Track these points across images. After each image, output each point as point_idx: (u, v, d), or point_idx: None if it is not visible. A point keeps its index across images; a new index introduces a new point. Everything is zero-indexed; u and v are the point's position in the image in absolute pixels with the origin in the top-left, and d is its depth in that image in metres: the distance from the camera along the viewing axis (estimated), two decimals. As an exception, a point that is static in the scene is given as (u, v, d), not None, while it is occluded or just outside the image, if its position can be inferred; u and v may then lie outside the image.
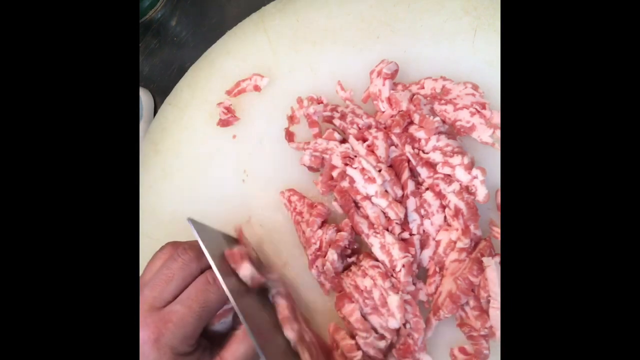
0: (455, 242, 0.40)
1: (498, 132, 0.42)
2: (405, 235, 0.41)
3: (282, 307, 0.35)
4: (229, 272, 0.34)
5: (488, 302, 0.38)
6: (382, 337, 0.39)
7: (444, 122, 0.43)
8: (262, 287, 0.36)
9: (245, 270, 0.34)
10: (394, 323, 0.38)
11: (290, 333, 0.33)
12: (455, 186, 0.40)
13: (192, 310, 0.31)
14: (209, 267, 0.33)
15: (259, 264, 0.38)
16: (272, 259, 0.46)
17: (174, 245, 0.34)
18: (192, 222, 0.33)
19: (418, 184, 0.43)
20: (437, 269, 0.40)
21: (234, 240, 0.40)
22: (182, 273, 0.32)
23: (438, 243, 0.41)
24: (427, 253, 0.41)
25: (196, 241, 0.33)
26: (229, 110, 0.51)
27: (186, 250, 0.33)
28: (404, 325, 0.39)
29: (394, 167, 0.43)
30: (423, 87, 0.45)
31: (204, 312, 0.31)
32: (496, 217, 0.42)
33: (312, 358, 0.33)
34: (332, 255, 0.41)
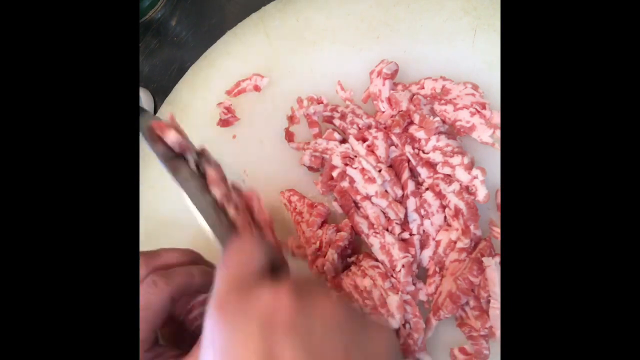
0: (455, 242, 0.40)
1: (498, 132, 0.42)
2: (405, 235, 0.41)
3: (210, 170, 0.37)
4: (156, 141, 0.37)
5: (488, 302, 0.38)
6: (382, 337, 0.39)
7: (444, 122, 0.43)
8: (186, 157, 0.38)
9: (172, 137, 0.37)
10: (393, 323, 0.38)
11: (215, 191, 0.36)
12: (455, 186, 0.40)
13: None
14: (153, 271, 0.34)
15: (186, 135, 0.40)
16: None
17: None
18: None
19: (418, 184, 0.43)
20: (437, 269, 0.40)
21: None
22: None
23: (438, 243, 0.41)
24: (427, 253, 0.41)
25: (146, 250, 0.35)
26: (229, 110, 0.51)
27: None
28: (404, 325, 0.39)
29: (394, 167, 0.43)
30: (423, 87, 0.45)
31: (147, 314, 0.32)
32: (496, 217, 0.42)
33: (237, 212, 0.35)
34: (332, 255, 0.41)
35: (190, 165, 0.38)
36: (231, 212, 0.35)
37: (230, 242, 0.31)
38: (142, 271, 0.34)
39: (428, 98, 0.45)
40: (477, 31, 0.47)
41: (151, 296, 0.32)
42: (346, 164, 0.43)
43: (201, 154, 0.39)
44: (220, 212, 0.35)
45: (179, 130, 0.38)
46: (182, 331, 0.36)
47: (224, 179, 0.38)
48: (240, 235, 0.34)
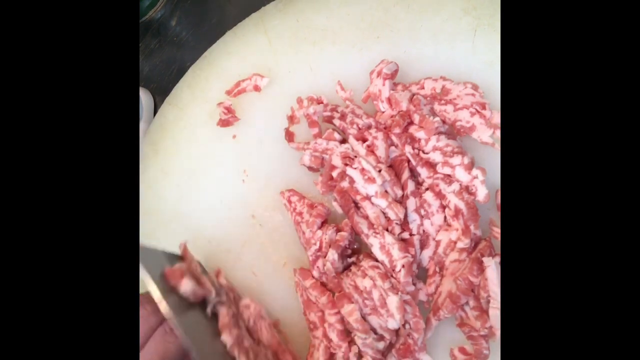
0: (455, 242, 0.40)
1: (498, 132, 0.42)
2: (405, 235, 0.41)
3: (222, 315, 0.35)
4: (170, 290, 0.34)
5: (488, 302, 0.38)
6: (381, 338, 0.39)
7: (444, 122, 0.43)
8: (205, 299, 0.36)
9: (186, 287, 0.34)
10: (393, 324, 0.38)
11: (227, 337, 0.34)
12: (455, 186, 0.40)
13: None
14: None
15: (204, 276, 0.38)
16: (273, 259, 0.46)
17: None
18: None
19: (418, 184, 0.43)
20: (437, 269, 0.40)
21: (177, 258, 0.40)
22: (142, 328, 0.32)
23: (438, 243, 0.41)
24: (427, 253, 0.41)
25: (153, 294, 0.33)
26: (229, 110, 0.51)
27: (144, 305, 0.33)
28: (404, 325, 0.39)
29: (394, 167, 0.43)
30: (423, 87, 0.45)
31: None
32: (496, 217, 0.42)
33: None
34: (333, 255, 0.41)
35: (206, 309, 0.35)
36: None
37: None
38: (153, 319, 0.33)
39: (428, 98, 0.45)
40: (477, 31, 0.47)
41: (169, 345, 0.32)
42: (346, 164, 0.43)
43: (218, 293, 0.36)
44: None
45: (197, 275, 0.35)
46: None
47: (238, 320, 0.35)
48: None
